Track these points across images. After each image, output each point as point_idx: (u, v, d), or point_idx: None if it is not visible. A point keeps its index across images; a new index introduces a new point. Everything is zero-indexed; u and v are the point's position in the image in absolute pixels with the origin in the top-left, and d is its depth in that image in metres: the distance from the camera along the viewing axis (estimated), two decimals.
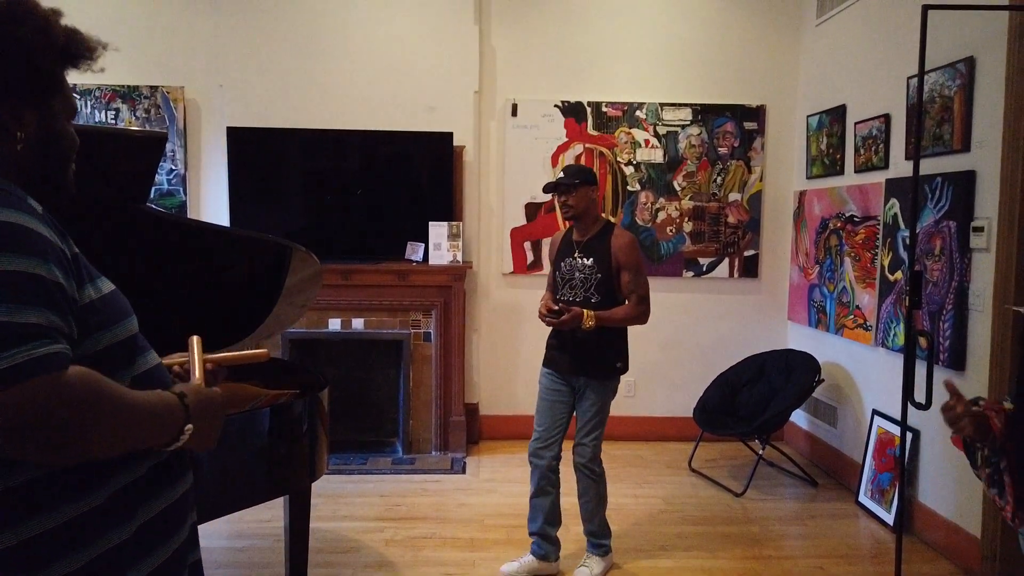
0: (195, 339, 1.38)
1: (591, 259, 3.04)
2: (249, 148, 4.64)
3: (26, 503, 1.01)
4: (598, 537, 3.20)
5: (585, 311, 2.94)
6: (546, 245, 4.51)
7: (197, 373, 1.31)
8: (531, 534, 3.17)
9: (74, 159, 1.22)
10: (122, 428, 1.01)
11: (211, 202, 4.80)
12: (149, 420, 1.07)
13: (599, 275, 3.02)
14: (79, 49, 1.16)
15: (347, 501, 3.93)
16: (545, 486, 3.13)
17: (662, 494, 4.11)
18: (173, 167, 4.75)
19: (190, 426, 1.13)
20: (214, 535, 3.42)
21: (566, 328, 2.96)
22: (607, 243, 3.05)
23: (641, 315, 3.05)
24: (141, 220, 2.18)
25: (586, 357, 3.04)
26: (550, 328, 3.09)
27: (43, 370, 0.92)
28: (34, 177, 1.14)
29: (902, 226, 3.73)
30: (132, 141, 2.16)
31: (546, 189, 3.12)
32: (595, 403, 3.08)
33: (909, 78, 3.67)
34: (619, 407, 5.03)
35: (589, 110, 4.92)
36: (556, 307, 2.96)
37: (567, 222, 3.16)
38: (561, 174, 3.08)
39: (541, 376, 3.19)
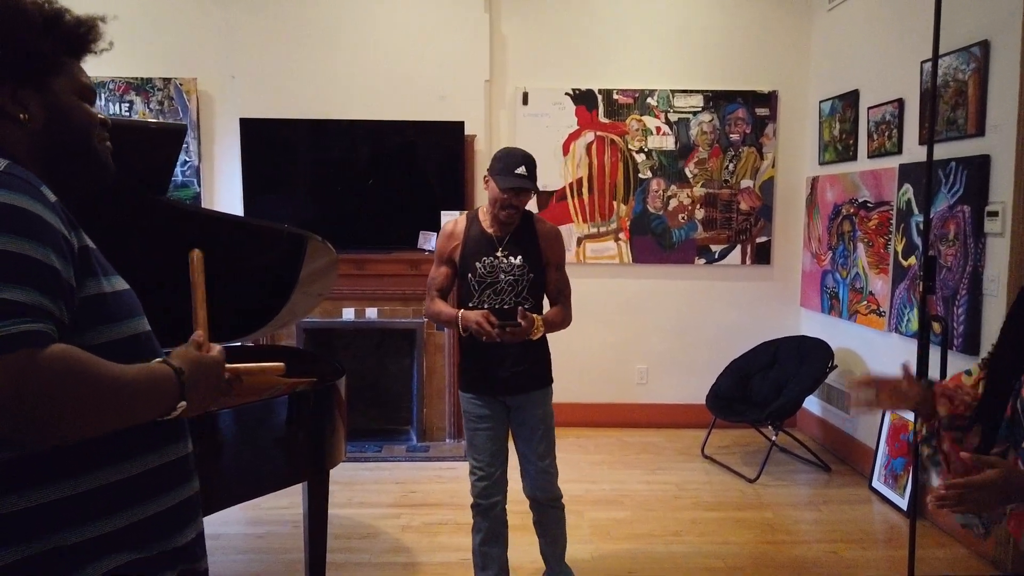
0: (196, 255, 1.28)
1: (519, 257, 2.54)
2: (262, 139, 4.67)
3: (7, 480, 1.01)
4: None
5: (536, 317, 2.50)
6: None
7: (199, 312, 1.24)
8: None
9: (100, 136, 1.21)
10: (106, 407, 1.00)
11: (225, 193, 4.83)
12: (138, 398, 1.05)
13: (531, 275, 2.55)
14: (67, 26, 1.15)
15: (363, 488, 3.97)
16: (498, 529, 2.69)
17: (675, 480, 4.13)
18: (187, 158, 4.78)
19: (183, 403, 1.11)
20: (232, 521, 3.47)
21: (516, 340, 2.47)
22: (534, 236, 2.59)
23: (569, 317, 2.66)
24: (159, 211, 2.20)
25: (527, 370, 2.60)
26: (466, 346, 2.62)
27: (15, 347, 0.91)
28: (57, 158, 1.14)
29: (916, 211, 3.71)
30: (151, 134, 2.19)
31: (507, 189, 2.47)
32: (543, 417, 2.65)
33: (923, 62, 3.64)
34: (631, 394, 5.11)
35: (600, 97, 4.91)
36: (514, 315, 2.44)
37: (498, 225, 2.57)
38: (522, 168, 2.48)
39: (464, 403, 2.68)
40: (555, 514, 2.75)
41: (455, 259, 2.62)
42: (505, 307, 2.52)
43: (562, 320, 2.64)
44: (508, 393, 2.63)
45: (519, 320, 2.43)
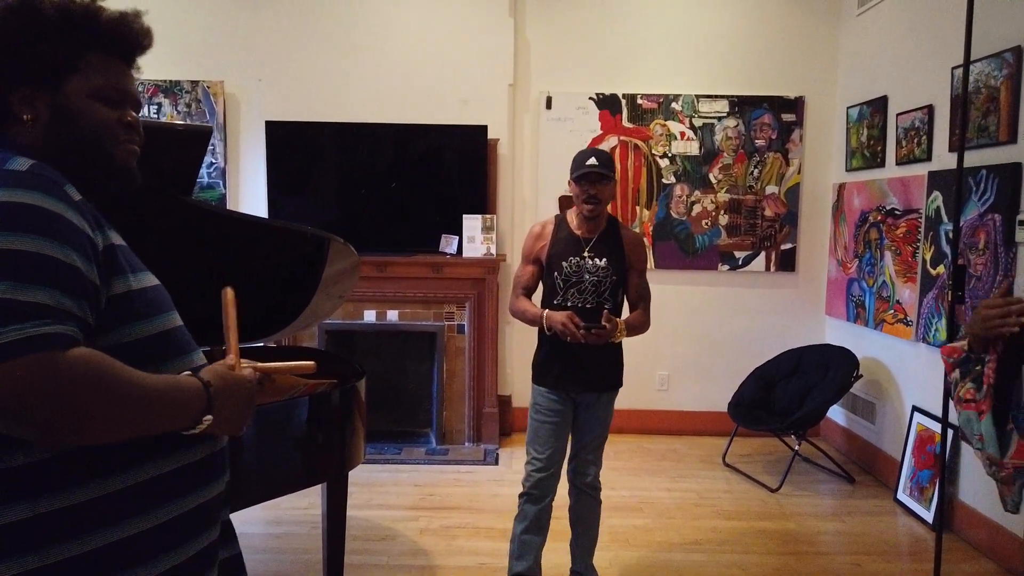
0: (229, 293, 1.27)
1: (604, 259, 2.64)
2: (287, 141, 4.71)
3: (29, 484, 0.99)
4: None
5: (619, 321, 2.56)
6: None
7: (231, 341, 1.22)
8: (515, 575, 2.78)
9: (116, 139, 1.16)
10: (123, 414, 0.99)
11: (250, 194, 4.88)
12: (159, 408, 1.04)
13: (614, 277, 2.65)
14: (97, 24, 1.13)
15: (382, 490, 3.98)
16: (543, 520, 2.76)
17: (696, 488, 4.10)
18: (213, 160, 4.84)
19: (209, 417, 1.09)
20: (252, 521, 3.49)
21: (600, 342, 2.53)
22: (619, 241, 2.70)
23: (648, 322, 2.74)
24: (184, 212, 2.22)
25: (603, 370, 2.70)
26: (550, 341, 2.66)
27: (35, 349, 0.90)
28: (66, 160, 1.10)
29: (945, 219, 3.65)
30: (179, 136, 2.21)
31: (580, 178, 2.58)
32: (606, 416, 2.76)
33: (953, 68, 3.58)
34: (653, 401, 5.07)
35: (624, 102, 4.89)
36: (596, 316, 2.51)
37: (584, 217, 2.66)
38: (593, 159, 2.58)
39: (536, 396, 2.75)
40: (591, 504, 2.82)
41: (541, 259, 2.74)
42: (588, 307, 2.62)
43: (642, 324, 2.71)
44: (581, 390, 2.70)
45: (603, 323, 2.49)
